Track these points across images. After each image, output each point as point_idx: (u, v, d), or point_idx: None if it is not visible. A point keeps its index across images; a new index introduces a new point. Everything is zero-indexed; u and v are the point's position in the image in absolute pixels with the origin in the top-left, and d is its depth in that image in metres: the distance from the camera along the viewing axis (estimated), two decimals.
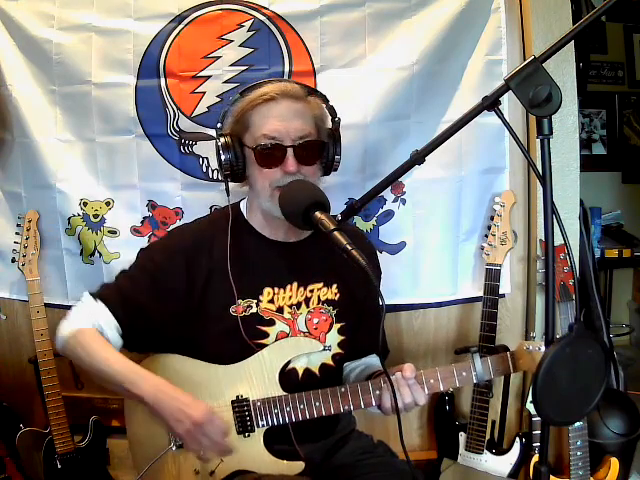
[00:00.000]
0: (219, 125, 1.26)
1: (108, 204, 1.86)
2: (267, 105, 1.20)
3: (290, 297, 1.29)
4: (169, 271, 1.25)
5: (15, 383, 2.03)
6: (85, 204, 1.85)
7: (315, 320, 1.30)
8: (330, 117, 1.30)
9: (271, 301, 1.28)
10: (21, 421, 1.85)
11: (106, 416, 1.93)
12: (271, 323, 1.27)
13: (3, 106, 1.83)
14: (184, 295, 1.24)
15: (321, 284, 1.31)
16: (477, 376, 1.20)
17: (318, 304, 1.31)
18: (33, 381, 1.87)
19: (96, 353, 1.18)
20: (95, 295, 1.27)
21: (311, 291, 1.31)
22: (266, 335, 1.27)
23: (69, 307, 1.90)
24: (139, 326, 1.26)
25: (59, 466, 1.80)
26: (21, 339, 2.03)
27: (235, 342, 1.23)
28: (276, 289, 1.28)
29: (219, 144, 1.23)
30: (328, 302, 1.31)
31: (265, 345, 1.26)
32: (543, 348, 1.16)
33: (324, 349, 1.29)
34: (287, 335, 1.28)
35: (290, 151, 1.19)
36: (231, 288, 1.23)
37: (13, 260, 1.84)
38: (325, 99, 1.29)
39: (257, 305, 1.26)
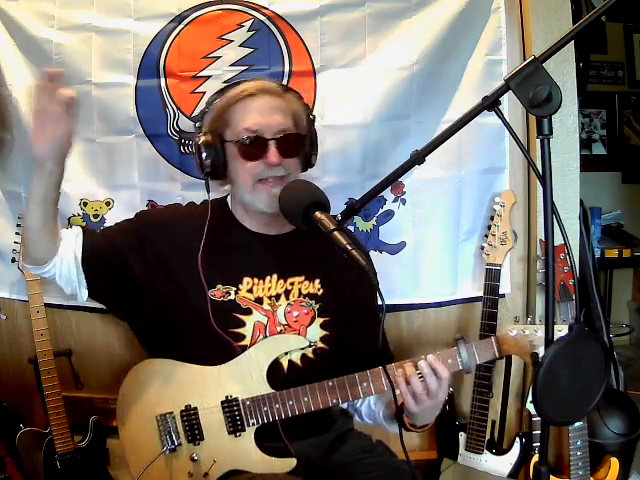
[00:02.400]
0: (198, 124, 1.28)
1: (108, 204, 1.86)
2: (247, 101, 1.23)
3: (269, 288, 1.30)
4: (149, 239, 1.29)
5: (15, 383, 2.02)
6: (85, 204, 1.85)
7: (295, 313, 1.31)
8: (305, 114, 1.32)
9: (250, 291, 1.29)
10: (21, 421, 1.85)
11: (106, 416, 1.92)
12: (248, 312, 1.28)
13: (3, 106, 1.83)
14: (155, 269, 1.27)
15: (302, 277, 1.32)
16: (463, 362, 1.20)
17: (299, 297, 1.31)
18: (33, 381, 1.86)
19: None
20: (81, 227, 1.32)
21: (291, 284, 1.31)
22: (242, 324, 1.27)
23: (69, 307, 1.95)
24: (100, 269, 1.27)
25: (59, 466, 1.80)
26: (21, 339, 2.03)
27: (210, 330, 1.23)
28: (255, 279, 1.29)
29: (199, 142, 1.25)
30: (310, 296, 1.32)
31: (242, 335, 1.26)
32: (527, 332, 1.18)
33: (310, 345, 1.29)
34: (265, 326, 1.28)
35: (272, 143, 1.22)
36: (208, 274, 1.24)
37: (13, 260, 1.84)
38: (299, 96, 1.32)
39: (236, 293, 1.28)
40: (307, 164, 1.33)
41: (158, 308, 1.29)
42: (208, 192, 1.28)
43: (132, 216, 1.79)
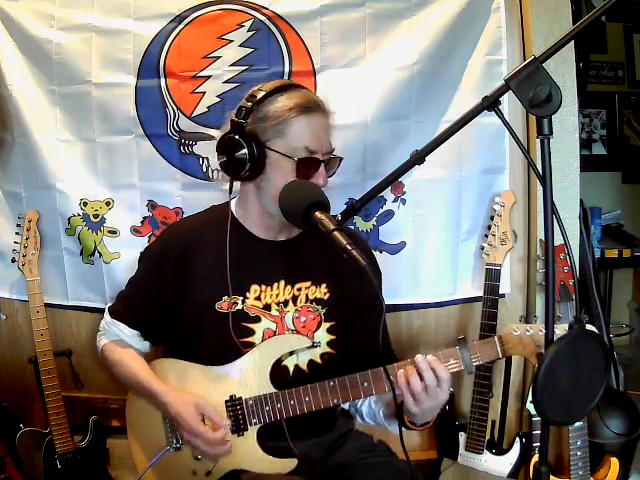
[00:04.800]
0: (243, 121, 1.19)
1: (108, 204, 1.86)
2: (305, 117, 1.20)
3: (277, 295, 1.30)
4: (160, 272, 1.31)
5: (15, 383, 2.02)
6: (85, 204, 1.85)
7: (302, 318, 1.31)
8: None
9: (258, 298, 1.29)
10: (21, 421, 1.85)
11: (106, 416, 1.93)
12: (257, 320, 1.28)
13: (3, 106, 1.83)
14: (174, 293, 1.29)
15: (309, 283, 1.32)
16: (465, 362, 1.19)
17: (306, 302, 1.31)
18: (33, 381, 1.86)
19: (118, 367, 1.36)
20: (110, 312, 1.41)
21: (299, 289, 1.31)
22: (252, 332, 1.28)
23: (69, 307, 1.95)
24: (153, 326, 1.37)
25: (59, 466, 1.80)
26: (21, 339, 2.03)
27: (221, 339, 1.24)
28: (263, 286, 1.29)
29: (241, 139, 1.18)
30: (316, 301, 1.32)
31: (252, 343, 1.27)
32: (532, 331, 1.15)
33: (313, 345, 1.29)
34: (274, 332, 1.29)
35: (323, 166, 1.22)
36: (217, 284, 1.25)
37: (13, 260, 1.84)
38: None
39: (243, 302, 1.28)
40: None
41: (174, 320, 1.32)
42: (230, 193, 1.27)
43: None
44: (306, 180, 1.21)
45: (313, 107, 1.21)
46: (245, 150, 1.18)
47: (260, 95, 1.21)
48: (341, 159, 1.29)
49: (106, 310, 1.43)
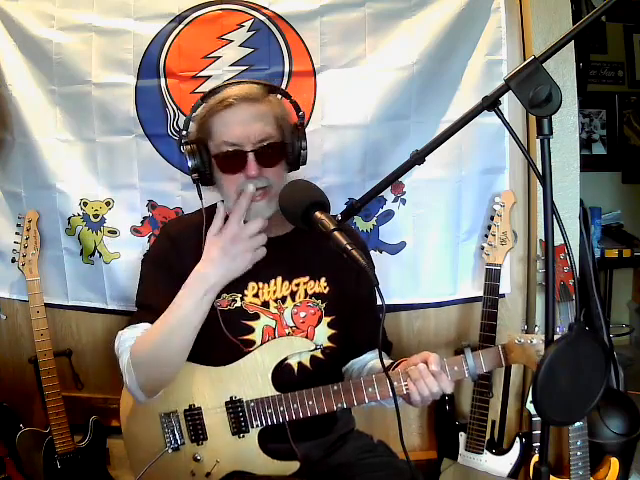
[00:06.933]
0: (184, 132, 1.25)
1: (108, 204, 1.86)
2: (226, 111, 1.20)
3: (274, 291, 1.30)
4: (172, 265, 1.28)
5: (15, 383, 2.03)
6: (85, 204, 1.85)
7: (302, 314, 1.31)
8: (295, 112, 1.29)
9: (256, 295, 1.29)
10: (21, 421, 1.85)
11: (106, 416, 1.93)
12: (256, 317, 1.28)
13: (3, 106, 1.83)
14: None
15: (307, 278, 1.32)
16: (469, 370, 1.19)
17: (305, 298, 1.31)
18: (33, 381, 1.87)
19: (150, 341, 1.20)
20: (132, 322, 1.29)
21: (297, 285, 1.31)
22: (251, 330, 1.28)
23: (69, 307, 1.95)
24: None
25: (59, 466, 1.80)
26: (21, 339, 2.03)
27: (221, 337, 1.23)
28: (260, 284, 1.29)
29: (184, 151, 1.23)
30: (316, 295, 1.32)
31: (251, 340, 1.27)
32: (535, 341, 1.16)
33: (316, 348, 1.29)
34: (273, 330, 1.29)
35: (251, 156, 1.20)
36: None
37: (13, 260, 1.84)
38: (287, 95, 1.29)
39: (242, 299, 1.28)
40: (295, 165, 1.31)
41: None
42: (201, 199, 1.26)
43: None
44: (306, 180, 1.21)
45: (236, 101, 1.19)
46: (188, 158, 1.22)
47: (196, 103, 1.24)
48: (284, 143, 1.25)
49: (119, 333, 1.30)
